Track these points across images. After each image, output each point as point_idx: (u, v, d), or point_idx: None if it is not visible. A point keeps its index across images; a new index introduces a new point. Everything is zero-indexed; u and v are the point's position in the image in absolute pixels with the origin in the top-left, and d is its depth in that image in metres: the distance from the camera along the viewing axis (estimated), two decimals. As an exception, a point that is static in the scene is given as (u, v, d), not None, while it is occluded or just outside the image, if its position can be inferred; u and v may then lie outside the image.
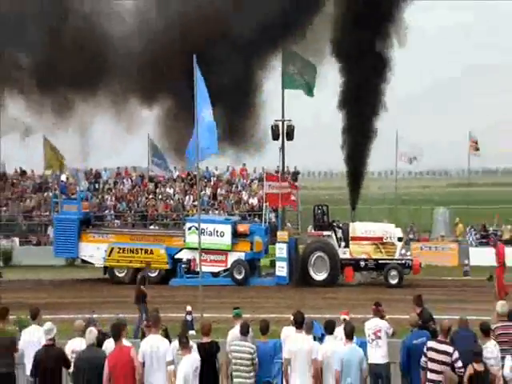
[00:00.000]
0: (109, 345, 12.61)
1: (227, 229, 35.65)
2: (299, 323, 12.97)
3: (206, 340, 13.05)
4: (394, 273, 33.62)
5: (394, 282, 33.24)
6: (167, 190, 48.77)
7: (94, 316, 17.49)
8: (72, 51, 38.48)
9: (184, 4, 38.78)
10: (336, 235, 34.93)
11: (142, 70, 39.50)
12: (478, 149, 45.47)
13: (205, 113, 18.40)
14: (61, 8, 39.47)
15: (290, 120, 38.73)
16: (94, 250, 36.73)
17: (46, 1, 39.56)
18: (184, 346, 12.38)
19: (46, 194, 49.03)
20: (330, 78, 40.05)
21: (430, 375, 12.26)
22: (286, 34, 39.36)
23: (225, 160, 45.22)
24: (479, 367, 11.90)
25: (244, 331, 13.11)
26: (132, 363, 12.00)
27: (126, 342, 12.33)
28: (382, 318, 14.58)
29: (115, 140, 44.07)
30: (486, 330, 13.11)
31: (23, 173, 51.90)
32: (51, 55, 38.98)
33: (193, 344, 12.67)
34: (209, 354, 12.75)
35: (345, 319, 14.17)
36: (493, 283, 30.97)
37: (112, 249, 36.15)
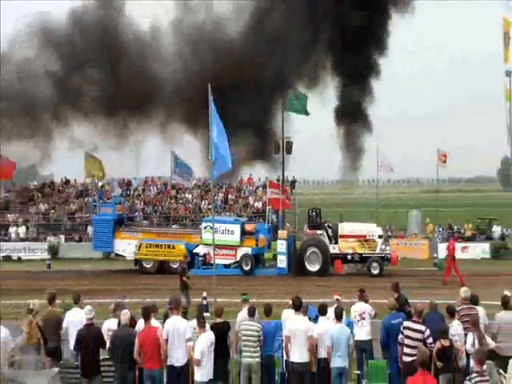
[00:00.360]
0: (140, 324, 12.67)
1: (236, 228, 35.70)
2: (297, 306, 12.96)
3: (219, 321, 13.08)
4: (375, 264, 33.69)
5: (375, 272, 33.28)
6: (186, 195, 48.89)
7: (126, 301, 17.56)
8: (129, 85, 39.08)
9: (215, 51, 39.22)
10: (327, 233, 34.89)
11: (180, 101, 39.86)
12: (445, 161, 45.42)
13: (218, 134, 18.28)
14: (119, 52, 40.38)
15: (289, 137, 38.75)
16: (126, 246, 36.84)
17: (108, 46, 40.36)
18: (201, 325, 12.42)
19: (86, 199, 49.11)
20: (323, 101, 40.58)
21: (405, 350, 12.30)
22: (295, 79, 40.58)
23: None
24: (446, 343, 11.95)
25: (251, 313, 13.12)
26: (158, 340, 12.03)
27: (154, 323, 12.40)
28: (366, 302, 14.57)
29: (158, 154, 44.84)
30: (452, 312, 13.20)
31: (67, 181, 52.04)
32: (113, 88, 39.75)
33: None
34: (221, 332, 12.78)
35: (337, 299, 14.17)
36: (443, 271, 31.41)
37: (141, 244, 36.15)
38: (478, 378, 9.84)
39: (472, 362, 10.75)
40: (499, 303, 14.13)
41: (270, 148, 40.32)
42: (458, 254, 38.67)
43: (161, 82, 40.46)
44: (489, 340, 12.85)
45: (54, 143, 42.70)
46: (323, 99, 40.66)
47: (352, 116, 39.90)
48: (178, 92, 39.50)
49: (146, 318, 12.29)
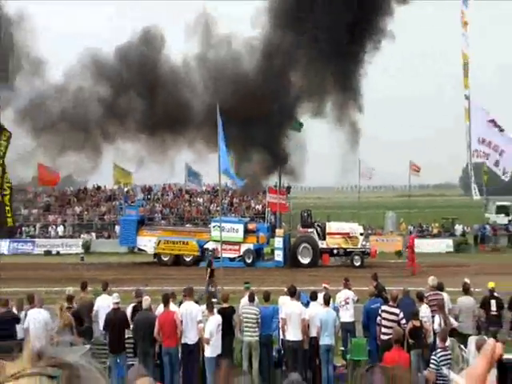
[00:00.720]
0: (160, 309, 12.65)
1: (240, 227, 35.66)
2: (292, 293, 12.96)
3: (225, 305, 13.08)
4: (357, 257, 33.69)
5: (357, 264, 33.22)
6: (198, 199, 48.86)
7: (146, 288, 17.53)
8: (165, 109, 39.68)
9: (233, 84, 39.75)
10: (317, 231, 34.88)
11: (204, 123, 40.48)
12: (419, 171, 45.55)
13: (223, 150, 18.24)
14: (157, 82, 41.41)
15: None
16: (147, 242, 36.69)
17: (148, 77, 41.48)
18: (210, 309, 12.41)
19: (114, 202, 49.14)
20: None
21: (383, 330, 12.28)
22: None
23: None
24: (416, 323, 11.95)
25: (251, 299, 13.11)
26: (175, 322, 12.03)
27: (172, 307, 12.37)
28: (349, 289, 14.56)
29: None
30: (421, 297, 13.23)
31: (98, 188, 52.02)
32: (152, 111, 40.70)
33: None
34: (227, 315, 12.75)
35: (325, 287, 14.17)
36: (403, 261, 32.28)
37: (159, 241, 36.07)
38: (442, 353, 9.88)
39: (437, 340, 10.77)
40: (460, 289, 14.20)
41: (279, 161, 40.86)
42: (427, 249, 38.91)
43: (190, 107, 40.94)
44: (452, 321, 12.88)
45: (102, 156, 43.77)
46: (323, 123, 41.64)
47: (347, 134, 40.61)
48: (203, 116, 39.98)
49: (166, 303, 12.28)
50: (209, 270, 23.04)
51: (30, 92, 43.81)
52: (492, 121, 35.64)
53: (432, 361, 9.84)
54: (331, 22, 37.47)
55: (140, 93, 42.36)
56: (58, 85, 43.91)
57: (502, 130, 35.40)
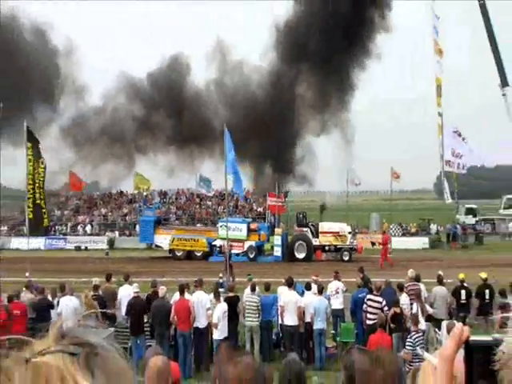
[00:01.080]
0: (175, 297, 12.65)
1: (244, 226, 35.49)
2: (289, 284, 12.97)
3: (231, 294, 13.08)
4: (346, 253, 33.56)
5: (346, 259, 33.03)
6: (207, 202, 48.74)
7: (163, 279, 17.50)
8: (190, 126, 40.61)
9: (245, 108, 40.71)
10: (311, 230, 34.75)
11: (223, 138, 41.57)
12: (398, 177, 45.50)
13: (233, 160, 18.22)
14: (183, 102, 42.80)
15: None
16: (163, 239, 36.53)
17: (175, 98, 42.75)
18: (217, 298, 12.40)
19: (134, 205, 49.08)
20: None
21: (368, 316, 12.28)
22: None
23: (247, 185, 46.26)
24: (397, 310, 11.93)
25: (252, 289, 13.11)
26: (189, 309, 12.02)
27: (187, 296, 12.35)
28: (339, 280, 14.55)
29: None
30: (401, 287, 13.19)
31: (121, 192, 52.02)
32: (179, 128, 42.41)
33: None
34: (233, 303, 12.75)
35: (314, 278, 14.20)
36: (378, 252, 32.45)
37: (174, 238, 35.97)
38: (416, 335, 9.86)
39: (410, 324, 10.76)
40: (435, 280, 14.19)
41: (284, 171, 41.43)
42: (406, 245, 38.91)
43: (212, 124, 41.57)
44: (428, 308, 12.86)
45: (135, 166, 45.91)
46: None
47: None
48: (221, 132, 40.56)
49: (181, 292, 12.28)
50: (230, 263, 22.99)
51: (73, 112, 45.55)
52: (456, 131, 36.62)
53: (408, 343, 9.82)
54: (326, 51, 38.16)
55: (168, 111, 43.28)
56: (96, 107, 45.88)
57: (463, 139, 36.54)
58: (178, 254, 35.76)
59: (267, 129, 38.16)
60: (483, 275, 14.39)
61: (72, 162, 43.98)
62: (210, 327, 12.12)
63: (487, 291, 13.92)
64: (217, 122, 40.33)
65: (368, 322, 12.21)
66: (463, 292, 13.97)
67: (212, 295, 12.52)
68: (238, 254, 34.85)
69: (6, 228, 44.94)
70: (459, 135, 36.52)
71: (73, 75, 46.05)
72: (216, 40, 45.51)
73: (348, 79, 41.62)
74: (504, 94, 35.91)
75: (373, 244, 37.25)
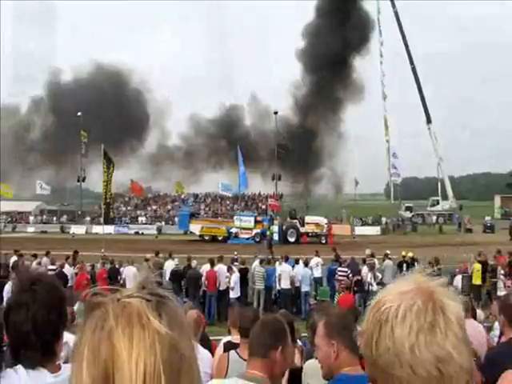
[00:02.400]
0: (206, 267, 12.43)
1: (252, 219, 35.07)
2: (285, 259, 12.91)
3: (243, 266, 13.00)
4: (323, 238, 33.19)
5: (323, 242, 32.23)
6: (227, 202, 48.57)
7: (196, 256, 17.26)
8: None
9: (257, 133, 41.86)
10: (299, 222, 34.43)
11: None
12: (358, 184, 46.15)
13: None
14: (236, 136, 43.96)
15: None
16: (195, 227, 36.03)
17: (231, 136, 45.47)
18: (231, 269, 12.31)
19: (175, 203, 48.96)
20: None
21: (339, 281, 12.15)
22: None
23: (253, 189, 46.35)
24: (359, 278, 11.84)
25: (260, 263, 12.98)
26: (216, 277, 11.91)
27: (215, 268, 12.13)
28: (319, 257, 14.39)
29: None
30: (363, 261, 13.06)
31: (165, 194, 51.92)
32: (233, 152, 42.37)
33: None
34: (244, 272, 12.65)
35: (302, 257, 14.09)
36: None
37: (203, 227, 35.61)
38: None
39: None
40: (384, 256, 14.03)
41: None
42: (365, 232, 38.76)
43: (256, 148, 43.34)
44: (379, 276, 12.70)
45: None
46: None
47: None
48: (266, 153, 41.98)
49: (212, 265, 12.17)
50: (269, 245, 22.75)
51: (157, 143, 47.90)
52: (395, 154, 40.53)
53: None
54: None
55: (228, 142, 44.52)
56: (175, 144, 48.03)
57: (396, 158, 40.75)
58: (206, 238, 35.40)
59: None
60: (403, 253, 14.69)
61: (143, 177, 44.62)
62: (228, 289, 12.02)
63: (404, 265, 13.86)
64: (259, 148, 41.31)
65: (338, 286, 12.10)
66: (404, 265, 13.88)
67: (226, 267, 12.41)
68: (247, 239, 34.69)
69: (89, 219, 45.21)
70: (396, 157, 40.26)
71: (158, 123, 47.32)
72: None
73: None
74: (429, 129, 36.35)
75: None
